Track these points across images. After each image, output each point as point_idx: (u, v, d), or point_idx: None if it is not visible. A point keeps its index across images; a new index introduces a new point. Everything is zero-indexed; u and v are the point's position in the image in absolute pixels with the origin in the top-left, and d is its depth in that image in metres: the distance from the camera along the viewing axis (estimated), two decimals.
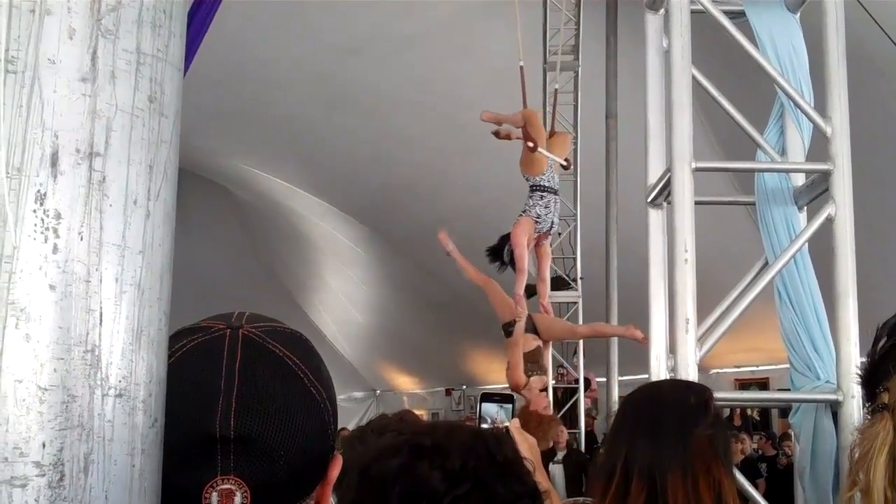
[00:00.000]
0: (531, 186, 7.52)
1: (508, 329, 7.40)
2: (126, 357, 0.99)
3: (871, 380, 1.65)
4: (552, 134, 8.60)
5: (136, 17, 1.04)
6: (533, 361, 7.16)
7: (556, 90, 9.81)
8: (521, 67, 8.03)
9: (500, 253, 7.55)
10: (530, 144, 7.39)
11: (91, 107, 0.98)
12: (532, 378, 7.04)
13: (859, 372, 1.70)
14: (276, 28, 11.36)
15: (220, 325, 1.10)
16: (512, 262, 7.43)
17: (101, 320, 0.97)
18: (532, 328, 7.36)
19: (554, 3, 10.72)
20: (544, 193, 7.43)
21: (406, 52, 11.90)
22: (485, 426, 1.75)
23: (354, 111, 13.24)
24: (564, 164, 8.05)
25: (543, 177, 7.46)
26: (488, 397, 1.83)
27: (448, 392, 20.99)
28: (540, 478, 1.23)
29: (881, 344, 1.65)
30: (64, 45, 0.98)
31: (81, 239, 0.96)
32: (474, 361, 19.75)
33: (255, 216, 21.46)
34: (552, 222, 7.49)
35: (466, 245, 8.06)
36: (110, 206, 0.99)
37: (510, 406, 1.84)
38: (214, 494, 1.01)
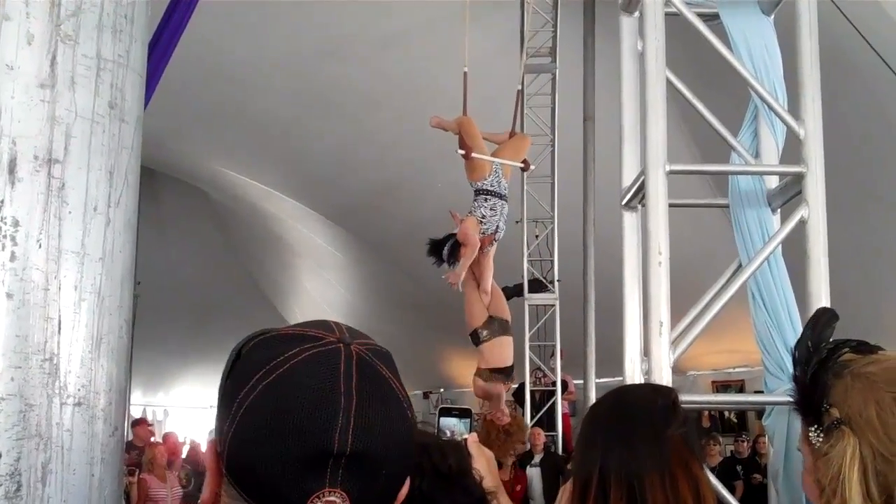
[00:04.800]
0: (475, 191, 7.64)
1: (475, 339, 7.69)
2: (85, 365, 0.97)
3: (810, 401, 1.62)
4: (511, 135, 8.57)
5: (97, 22, 1.02)
6: (503, 373, 7.36)
7: (518, 91, 9.70)
8: (465, 73, 8.04)
9: (441, 247, 7.58)
10: (461, 152, 7.50)
11: (50, 113, 0.97)
12: (491, 384, 7.28)
13: (792, 399, 1.68)
14: (253, 29, 11.31)
15: (331, 336, 1.11)
16: (451, 257, 7.50)
17: (59, 328, 0.95)
18: (505, 327, 7.56)
19: (531, 5, 10.73)
20: (488, 197, 7.57)
21: (384, 53, 11.88)
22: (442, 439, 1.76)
23: (332, 113, 13.19)
24: (521, 165, 8.10)
25: (486, 181, 7.59)
26: (447, 412, 1.86)
27: (426, 395, 20.96)
28: (489, 482, 1.23)
29: (804, 364, 1.63)
30: (22, 51, 0.96)
31: (40, 246, 0.95)
32: (452, 364, 19.73)
33: (231, 219, 21.39)
34: (497, 226, 7.57)
35: None
36: (69, 213, 0.97)
37: (468, 420, 1.87)
38: None
